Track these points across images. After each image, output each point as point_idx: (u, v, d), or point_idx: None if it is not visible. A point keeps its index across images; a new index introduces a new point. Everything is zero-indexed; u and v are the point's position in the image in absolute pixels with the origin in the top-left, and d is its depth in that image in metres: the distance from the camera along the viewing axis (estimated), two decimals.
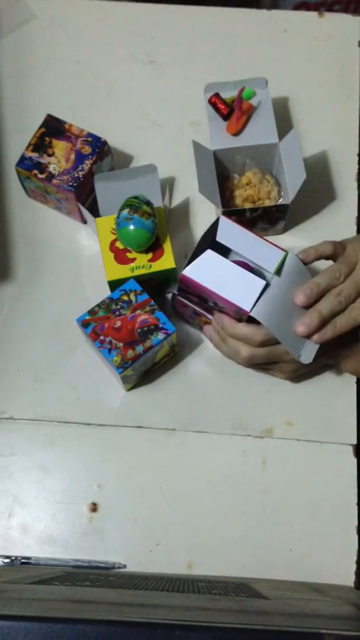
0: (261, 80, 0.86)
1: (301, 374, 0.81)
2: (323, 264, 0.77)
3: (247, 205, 0.85)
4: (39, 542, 0.78)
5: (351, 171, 0.91)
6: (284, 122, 0.91)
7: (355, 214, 0.89)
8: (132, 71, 0.95)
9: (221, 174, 0.86)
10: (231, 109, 0.85)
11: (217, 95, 0.85)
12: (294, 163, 0.81)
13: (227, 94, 0.86)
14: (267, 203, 0.85)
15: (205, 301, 0.76)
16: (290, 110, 0.94)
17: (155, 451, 0.81)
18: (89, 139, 0.84)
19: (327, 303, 0.72)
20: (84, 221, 0.88)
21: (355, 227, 0.88)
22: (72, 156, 0.83)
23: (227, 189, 0.86)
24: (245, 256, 0.73)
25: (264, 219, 0.83)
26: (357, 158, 0.91)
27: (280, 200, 0.85)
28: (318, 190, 0.90)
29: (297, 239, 0.88)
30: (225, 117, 0.85)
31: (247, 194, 0.85)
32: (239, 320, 0.74)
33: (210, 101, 0.85)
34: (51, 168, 0.83)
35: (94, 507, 0.79)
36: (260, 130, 0.85)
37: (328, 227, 0.88)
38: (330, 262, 0.75)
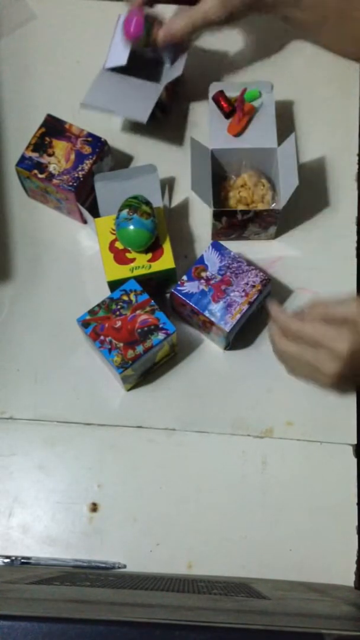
0: (267, 84, 0.86)
1: (348, 383, 0.75)
2: None
3: (240, 207, 0.85)
4: (39, 542, 0.78)
5: (351, 171, 0.91)
6: (283, 122, 0.91)
7: (355, 214, 0.89)
8: None
9: (219, 174, 0.87)
10: (233, 108, 0.85)
11: (221, 92, 0.85)
12: (289, 169, 0.81)
13: (232, 94, 0.86)
14: (260, 207, 0.85)
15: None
16: (290, 110, 0.94)
17: (155, 451, 0.81)
18: (89, 139, 0.84)
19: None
20: (84, 221, 0.88)
21: (355, 228, 0.88)
22: (72, 156, 0.83)
23: (223, 189, 0.86)
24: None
25: (256, 223, 0.83)
26: (357, 158, 0.91)
27: (273, 205, 0.85)
28: (318, 190, 0.90)
29: (287, 247, 0.88)
30: (227, 115, 0.85)
31: (241, 196, 0.85)
32: None
33: (213, 97, 0.86)
34: (51, 168, 0.83)
35: (94, 507, 0.79)
36: (260, 134, 0.85)
37: (325, 231, 0.88)
38: None
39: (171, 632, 0.46)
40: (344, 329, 0.69)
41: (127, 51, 0.85)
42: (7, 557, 0.77)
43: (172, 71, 0.87)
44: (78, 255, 0.88)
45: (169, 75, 0.87)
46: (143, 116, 0.84)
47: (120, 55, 0.85)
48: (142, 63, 0.87)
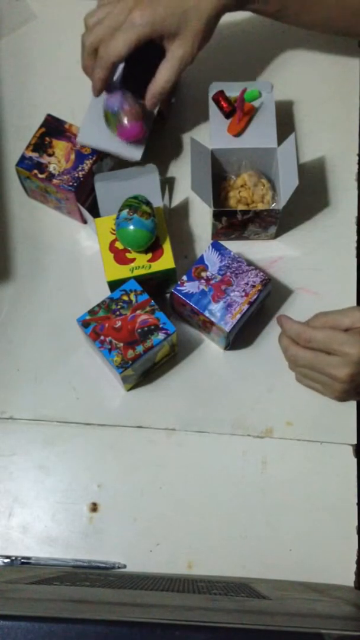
0: (266, 84, 0.86)
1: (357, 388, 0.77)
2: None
3: (240, 207, 0.85)
4: (39, 542, 0.78)
5: (351, 171, 0.91)
6: (283, 123, 0.91)
7: (355, 214, 0.89)
8: None
9: (219, 174, 0.87)
10: (233, 108, 0.85)
11: (221, 92, 0.85)
12: (289, 169, 0.81)
13: (232, 94, 0.86)
14: (260, 207, 0.85)
15: None
16: (290, 111, 0.94)
17: (155, 451, 0.81)
18: None
19: None
20: (84, 221, 0.88)
21: (355, 228, 0.88)
22: (72, 156, 0.83)
23: (223, 190, 0.86)
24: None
25: (256, 223, 0.83)
26: (357, 158, 0.91)
27: (273, 205, 0.85)
28: (318, 190, 0.90)
29: (287, 247, 0.88)
30: (227, 115, 0.85)
31: (241, 196, 0.85)
32: None
33: (213, 97, 0.86)
34: (51, 168, 0.83)
35: (94, 507, 0.79)
36: (260, 134, 0.85)
37: (325, 231, 0.88)
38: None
39: (171, 632, 0.46)
40: (353, 335, 0.72)
41: (119, 67, 0.84)
42: (7, 557, 0.77)
43: None
44: (78, 255, 0.88)
45: None
46: (136, 154, 0.83)
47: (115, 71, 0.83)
48: (135, 79, 0.86)
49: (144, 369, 0.80)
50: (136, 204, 0.76)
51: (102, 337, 0.76)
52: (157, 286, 0.82)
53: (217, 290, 0.79)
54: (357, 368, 0.73)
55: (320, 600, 0.66)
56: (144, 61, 0.80)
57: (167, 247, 0.80)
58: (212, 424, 0.82)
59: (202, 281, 0.79)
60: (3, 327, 0.85)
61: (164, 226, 0.80)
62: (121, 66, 0.82)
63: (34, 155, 0.83)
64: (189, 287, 0.79)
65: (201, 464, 0.81)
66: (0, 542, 0.78)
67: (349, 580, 0.76)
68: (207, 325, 0.80)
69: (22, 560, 0.76)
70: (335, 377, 0.74)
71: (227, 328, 0.77)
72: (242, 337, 0.83)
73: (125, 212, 0.76)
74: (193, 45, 0.78)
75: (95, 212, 0.84)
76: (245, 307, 0.78)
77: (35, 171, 0.83)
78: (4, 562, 0.76)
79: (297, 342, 0.76)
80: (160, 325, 0.76)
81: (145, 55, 0.79)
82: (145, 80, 0.80)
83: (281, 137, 0.84)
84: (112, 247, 0.80)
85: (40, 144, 0.84)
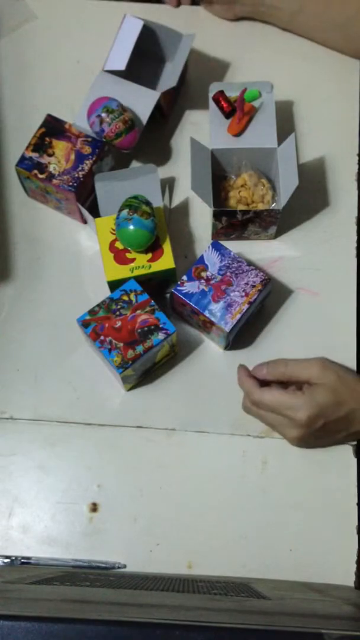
0: (266, 84, 0.86)
1: (311, 444, 0.78)
2: None
3: (240, 207, 0.85)
4: (39, 542, 0.78)
5: (351, 171, 0.91)
6: (283, 122, 0.91)
7: (355, 214, 0.89)
8: None
9: (219, 174, 0.87)
10: (233, 108, 0.85)
11: (221, 92, 0.85)
12: (289, 169, 0.81)
13: (232, 94, 0.86)
14: (260, 207, 0.85)
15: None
16: (290, 110, 0.94)
17: (155, 451, 0.81)
18: (89, 138, 0.84)
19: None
20: (84, 221, 0.88)
21: (355, 228, 0.88)
22: (72, 156, 0.83)
23: (223, 189, 0.86)
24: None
25: (256, 223, 0.83)
26: (357, 158, 0.91)
27: (273, 205, 0.85)
28: (318, 190, 0.90)
29: (287, 247, 0.88)
30: (227, 115, 0.85)
31: (241, 196, 0.85)
32: None
33: (213, 97, 0.86)
34: (51, 168, 0.83)
35: (94, 507, 0.79)
36: (260, 134, 0.85)
37: (325, 230, 0.88)
38: None
39: (171, 632, 0.46)
40: (300, 398, 0.73)
41: (127, 56, 0.85)
42: (7, 557, 0.77)
43: (167, 80, 0.87)
44: (78, 255, 0.88)
45: (163, 85, 0.87)
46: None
47: (120, 59, 0.85)
48: (141, 66, 0.87)
49: (144, 369, 0.80)
50: (136, 204, 0.76)
51: (102, 337, 0.76)
52: (157, 286, 0.82)
53: (217, 290, 0.79)
54: (305, 431, 0.74)
55: (320, 600, 0.66)
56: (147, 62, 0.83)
57: (167, 247, 0.80)
58: (212, 424, 0.82)
59: (202, 281, 0.79)
60: (3, 327, 0.85)
61: (164, 226, 0.80)
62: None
63: (34, 155, 0.83)
64: (189, 287, 0.79)
65: (201, 464, 0.81)
66: (0, 542, 0.78)
67: (349, 580, 0.76)
68: (207, 325, 0.80)
69: (22, 560, 0.76)
70: (286, 435, 0.77)
71: (227, 328, 0.77)
72: (242, 337, 0.83)
73: (125, 212, 0.76)
74: None
75: (95, 212, 0.84)
76: (245, 307, 0.78)
77: (35, 171, 0.83)
78: (4, 562, 0.76)
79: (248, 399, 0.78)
80: (160, 325, 0.76)
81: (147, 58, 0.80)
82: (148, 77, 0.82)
83: (281, 137, 0.84)
84: (112, 247, 0.80)
85: (40, 144, 0.84)
